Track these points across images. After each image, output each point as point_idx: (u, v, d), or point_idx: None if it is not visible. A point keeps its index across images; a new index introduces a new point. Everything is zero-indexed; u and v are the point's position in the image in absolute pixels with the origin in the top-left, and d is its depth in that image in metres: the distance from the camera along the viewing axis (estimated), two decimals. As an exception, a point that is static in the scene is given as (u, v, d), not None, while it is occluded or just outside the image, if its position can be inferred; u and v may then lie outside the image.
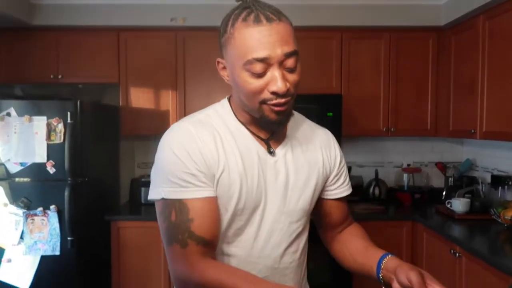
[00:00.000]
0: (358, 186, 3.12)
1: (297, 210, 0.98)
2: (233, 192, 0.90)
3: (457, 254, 2.17)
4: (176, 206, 0.85)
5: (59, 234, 2.45)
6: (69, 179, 2.46)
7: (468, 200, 2.63)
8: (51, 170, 2.48)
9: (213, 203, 0.88)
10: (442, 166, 3.16)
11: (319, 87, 2.96)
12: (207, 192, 0.87)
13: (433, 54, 3.01)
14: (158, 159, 0.91)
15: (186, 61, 2.97)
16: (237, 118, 0.95)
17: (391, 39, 2.99)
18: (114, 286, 2.73)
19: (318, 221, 1.13)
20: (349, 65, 3.00)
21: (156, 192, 0.88)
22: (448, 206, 2.66)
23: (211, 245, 0.87)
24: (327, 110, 2.90)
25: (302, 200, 0.99)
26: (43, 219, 2.45)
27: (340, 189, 1.08)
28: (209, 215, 0.87)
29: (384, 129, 3.03)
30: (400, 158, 3.35)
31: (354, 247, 1.04)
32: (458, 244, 2.19)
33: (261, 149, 0.95)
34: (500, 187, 2.66)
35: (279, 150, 0.97)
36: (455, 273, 2.20)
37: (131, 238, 2.71)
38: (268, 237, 0.95)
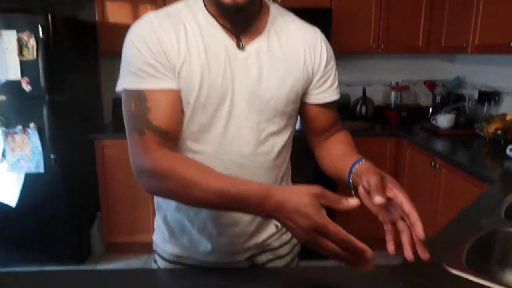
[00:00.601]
0: (345, 104, 3.09)
1: (269, 109, 0.93)
2: (193, 84, 0.86)
3: (437, 166, 2.21)
4: (136, 96, 0.84)
5: (41, 152, 2.43)
6: (47, 96, 2.38)
7: (453, 115, 2.62)
8: (26, 87, 2.39)
9: (173, 95, 0.85)
10: (430, 84, 3.11)
11: (307, 0, 2.80)
12: (167, 84, 0.84)
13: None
14: (122, 52, 0.88)
15: (165, -30, 2.76)
16: (208, 10, 0.90)
17: None
18: (102, 201, 2.79)
19: (304, 126, 1.09)
20: (340, -24, 2.81)
21: (120, 84, 0.87)
22: (433, 122, 2.66)
23: (169, 137, 0.85)
24: (315, 25, 2.73)
25: (274, 99, 0.93)
26: (23, 137, 2.41)
27: (325, 93, 1.01)
28: (168, 106, 0.84)
29: (374, 46, 2.92)
30: (389, 76, 3.28)
31: (335, 153, 1.01)
32: (439, 157, 2.22)
33: (230, 43, 0.89)
34: (486, 103, 2.64)
35: (252, 46, 0.91)
36: (434, 184, 2.26)
37: (116, 156, 2.71)
38: (237, 134, 0.92)
